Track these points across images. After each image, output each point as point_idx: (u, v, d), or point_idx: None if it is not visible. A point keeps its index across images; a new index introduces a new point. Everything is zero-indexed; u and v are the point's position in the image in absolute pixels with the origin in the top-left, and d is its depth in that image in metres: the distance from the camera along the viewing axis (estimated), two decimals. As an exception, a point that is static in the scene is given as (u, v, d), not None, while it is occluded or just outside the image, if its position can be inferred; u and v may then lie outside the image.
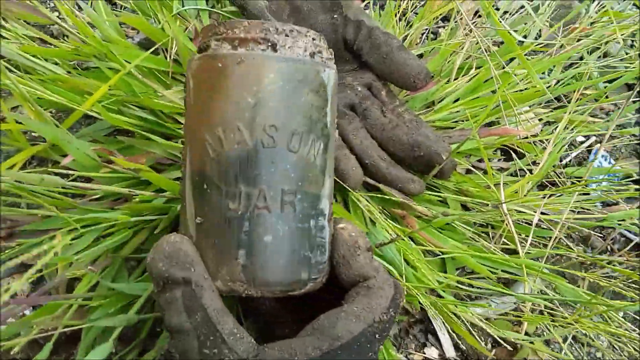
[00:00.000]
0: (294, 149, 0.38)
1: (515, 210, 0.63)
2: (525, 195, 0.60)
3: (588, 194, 0.69)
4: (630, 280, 0.61)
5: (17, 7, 0.55)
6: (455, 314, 0.58)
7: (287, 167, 0.38)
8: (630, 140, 0.84)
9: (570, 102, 0.68)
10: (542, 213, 0.62)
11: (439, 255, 0.61)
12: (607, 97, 0.85)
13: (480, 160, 0.75)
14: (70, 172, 0.54)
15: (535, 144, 0.75)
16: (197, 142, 0.39)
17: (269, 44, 0.39)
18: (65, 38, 0.73)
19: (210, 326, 0.36)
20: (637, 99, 0.85)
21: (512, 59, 0.78)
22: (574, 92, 0.74)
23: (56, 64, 0.61)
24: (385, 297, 0.39)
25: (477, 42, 0.72)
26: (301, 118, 0.39)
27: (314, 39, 0.41)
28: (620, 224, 0.65)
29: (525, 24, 0.86)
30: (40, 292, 0.51)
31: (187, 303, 0.36)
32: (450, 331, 0.62)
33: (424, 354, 0.61)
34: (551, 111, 0.79)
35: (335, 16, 0.68)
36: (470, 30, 0.71)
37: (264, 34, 0.39)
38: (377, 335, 0.38)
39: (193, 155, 0.40)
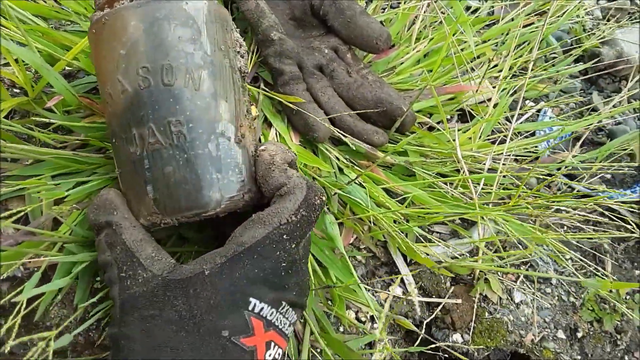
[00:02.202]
0: (169, 83, 0.42)
1: (470, 156, 0.68)
2: (477, 142, 0.65)
3: (536, 147, 0.76)
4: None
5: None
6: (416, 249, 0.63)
7: (170, 101, 0.42)
8: (575, 105, 0.91)
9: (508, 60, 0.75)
10: (493, 160, 0.68)
11: (402, 196, 0.66)
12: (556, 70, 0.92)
13: (440, 122, 0.80)
14: (52, 120, 0.57)
15: (487, 107, 0.81)
16: (103, 105, 0.45)
17: None
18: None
19: (128, 255, 0.42)
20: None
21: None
22: (525, 62, 0.80)
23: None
24: (294, 200, 0.43)
25: (433, 10, 0.78)
26: (173, 53, 0.42)
27: None
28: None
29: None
30: (22, 232, 0.53)
31: (109, 240, 0.43)
32: (412, 271, 0.67)
33: (389, 292, 0.66)
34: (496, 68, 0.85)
35: (302, -16, 0.73)
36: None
37: None
38: (285, 236, 0.42)
39: (106, 117, 0.46)
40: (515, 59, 0.80)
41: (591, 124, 0.71)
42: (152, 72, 0.42)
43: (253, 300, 0.40)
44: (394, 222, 0.62)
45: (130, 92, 0.42)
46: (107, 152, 0.60)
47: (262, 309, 0.40)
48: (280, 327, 0.42)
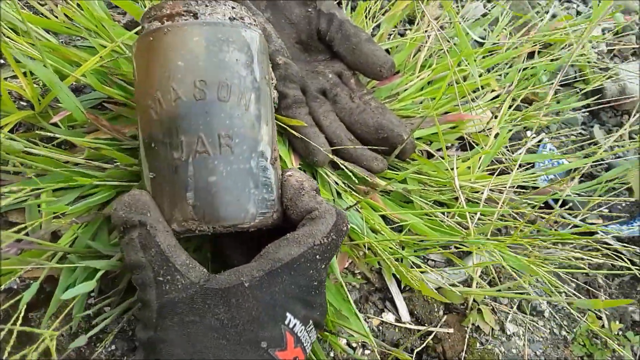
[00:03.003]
0: (225, 99, 0.45)
1: (468, 186, 0.69)
2: (476, 173, 0.66)
3: (535, 178, 0.76)
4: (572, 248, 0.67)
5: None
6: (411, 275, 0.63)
7: (221, 115, 0.44)
8: (576, 137, 0.92)
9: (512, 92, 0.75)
10: (491, 191, 0.69)
11: (399, 224, 0.66)
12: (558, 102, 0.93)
13: (440, 150, 0.81)
14: (57, 135, 0.58)
15: (488, 136, 0.81)
16: (143, 111, 0.46)
17: (191, 14, 0.46)
18: (55, 15, 0.76)
19: (163, 258, 0.42)
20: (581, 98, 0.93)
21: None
22: (527, 93, 0.81)
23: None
24: (326, 223, 0.46)
25: (438, 40, 0.79)
26: (229, 72, 0.45)
27: (233, 7, 0.48)
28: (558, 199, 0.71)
29: (485, 29, 0.93)
30: (25, 242, 0.54)
31: (143, 241, 0.43)
32: (405, 298, 0.68)
33: (382, 318, 0.66)
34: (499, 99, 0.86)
35: (309, 9, 0.74)
36: (432, 29, 0.78)
37: (186, 7, 0.46)
38: (317, 256, 0.44)
39: (142, 123, 0.47)
40: (520, 90, 0.81)
41: (593, 161, 0.72)
42: (209, 86, 0.44)
43: (289, 316, 0.42)
44: (389, 248, 0.63)
45: (185, 100, 0.44)
46: (116, 164, 0.60)
47: (295, 325, 0.42)
48: (304, 344, 0.44)
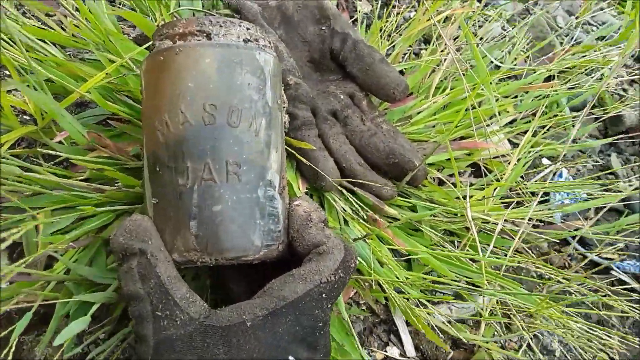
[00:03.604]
0: (234, 124, 0.42)
1: (481, 218, 0.66)
2: (489, 204, 0.63)
3: (549, 209, 0.73)
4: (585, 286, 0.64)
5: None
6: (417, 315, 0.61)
7: (230, 141, 0.42)
8: (593, 166, 0.89)
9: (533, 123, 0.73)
10: (505, 221, 0.66)
11: (407, 256, 0.64)
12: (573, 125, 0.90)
13: (452, 175, 0.78)
14: (59, 154, 0.56)
15: (502, 163, 0.79)
16: (150, 132, 0.44)
17: (205, 34, 0.44)
18: (64, 29, 0.75)
19: (163, 291, 0.40)
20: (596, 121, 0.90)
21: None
22: (543, 116, 0.79)
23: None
24: (334, 260, 0.43)
25: (454, 63, 0.77)
26: (240, 96, 0.43)
27: (248, 29, 0.46)
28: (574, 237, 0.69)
29: (502, 51, 0.91)
30: (17, 274, 0.52)
31: (142, 271, 0.40)
32: (411, 332, 0.65)
33: (386, 352, 0.64)
34: (517, 129, 0.83)
35: (323, 28, 0.72)
36: (449, 50, 0.75)
37: (199, 27, 0.44)
38: (324, 295, 0.42)
39: (147, 145, 0.44)
40: (543, 120, 0.78)
41: (611, 199, 0.69)
42: (219, 111, 0.42)
43: (291, 359, 0.40)
44: (396, 284, 0.61)
45: (193, 125, 0.42)
46: (117, 185, 0.59)
47: None
48: None
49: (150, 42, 0.48)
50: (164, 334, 0.39)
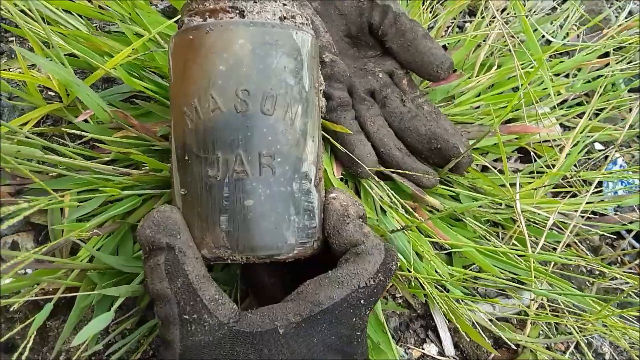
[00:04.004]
0: (268, 112, 0.39)
1: (529, 211, 0.61)
2: (540, 197, 0.58)
3: (602, 200, 0.68)
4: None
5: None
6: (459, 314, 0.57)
7: (264, 131, 0.38)
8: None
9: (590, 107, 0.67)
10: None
11: (448, 249, 0.60)
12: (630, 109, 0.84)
13: (497, 160, 0.73)
14: (84, 133, 0.53)
15: (553, 147, 0.73)
16: (178, 117, 0.40)
17: (237, 11, 0.40)
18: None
19: (191, 292, 0.37)
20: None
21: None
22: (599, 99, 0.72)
23: (79, 22, 0.60)
24: (374, 262, 0.39)
25: (503, 37, 0.71)
26: (275, 81, 0.39)
27: (284, 4, 0.42)
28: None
29: (552, 23, 0.84)
30: (44, 252, 0.50)
31: (169, 269, 0.37)
32: (450, 329, 0.61)
33: (423, 349, 0.61)
34: (571, 113, 0.77)
35: (362, 0, 0.67)
36: (496, 24, 0.69)
37: (231, 3, 0.40)
38: (362, 301, 0.38)
39: (175, 131, 0.41)
40: (600, 103, 0.72)
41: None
42: (253, 97, 0.38)
43: None
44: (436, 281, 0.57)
45: (225, 112, 0.38)
46: (144, 168, 0.56)
47: None
48: None
49: (179, 16, 0.44)
50: (192, 339, 0.36)
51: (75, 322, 0.50)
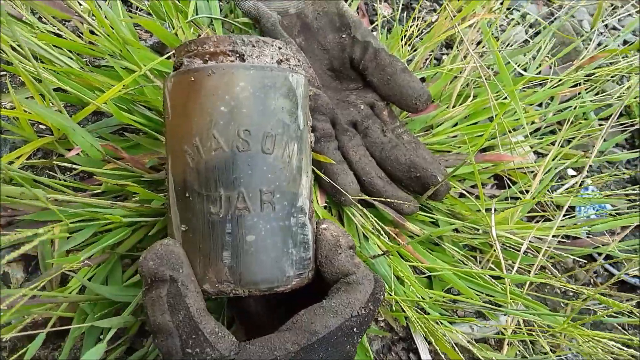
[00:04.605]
0: (269, 151, 0.41)
1: (505, 236, 0.64)
2: (515, 222, 0.61)
3: (575, 223, 0.71)
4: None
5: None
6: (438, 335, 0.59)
7: (264, 169, 0.40)
8: (620, 177, 0.86)
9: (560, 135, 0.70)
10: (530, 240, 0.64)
11: (427, 274, 0.62)
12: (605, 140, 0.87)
13: (474, 186, 0.76)
14: (75, 166, 0.55)
15: (527, 174, 0.77)
16: (177, 154, 0.42)
17: (237, 55, 0.42)
18: (80, 35, 0.74)
19: (192, 325, 0.38)
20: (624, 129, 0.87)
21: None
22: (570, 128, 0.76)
23: (70, 58, 0.62)
24: (365, 292, 0.41)
25: (477, 69, 0.74)
26: (274, 121, 0.41)
27: (280, 48, 0.44)
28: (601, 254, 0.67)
29: (525, 55, 0.88)
30: (33, 282, 0.51)
31: (171, 301, 0.38)
32: (431, 351, 0.63)
33: (406, 371, 0.62)
34: (544, 142, 0.81)
35: (343, 36, 0.70)
36: (471, 57, 0.73)
37: (232, 47, 0.42)
38: (355, 329, 0.40)
39: (174, 168, 0.42)
40: (572, 132, 0.75)
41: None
42: (254, 137, 0.40)
43: None
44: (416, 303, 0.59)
45: (227, 151, 0.40)
46: (135, 199, 0.57)
47: None
48: None
49: (171, 52, 0.46)
50: None
51: (69, 351, 0.51)
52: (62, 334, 0.55)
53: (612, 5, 1.10)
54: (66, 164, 0.54)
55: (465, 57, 0.79)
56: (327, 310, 0.40)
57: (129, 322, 0.50)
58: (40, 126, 0.65)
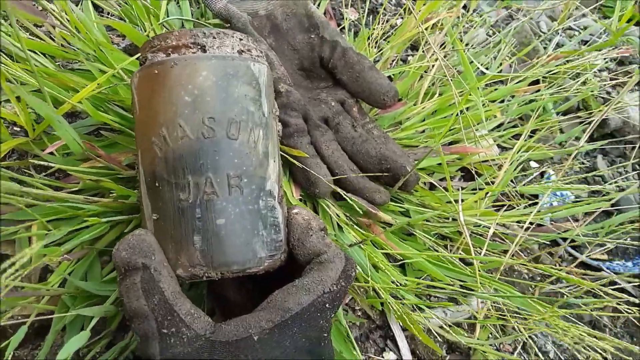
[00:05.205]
0: (234, 137, 0.42)
1: (473, 223, 0.67)
2: (481, 208, 0.64)
3: (539, 211, 0.75)
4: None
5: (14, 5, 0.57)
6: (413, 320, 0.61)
7: (230, 154, 0.42)
8: (579, 167, 0.90)
9: (525, 127, 0.74)
10: (497, 225, 0.67)
11: (401, 261, 0.65)
12: (561, 131, 0.92)
13: (442, 179, 0.79)
14: (51, 164, 0.56)
15: (492, 167, 0.80)
16: (146, 147, 0.43)
17: (199, 47, 0.44)
18: (53, 39, 0.75)
19: (167, 307, 0.39)
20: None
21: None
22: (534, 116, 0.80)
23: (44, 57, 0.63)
24: (336, 269, 0.43)
25: (442, 69, 0.78)
26: (238, 108, 0.43)
27: (241, 39, 0.46)
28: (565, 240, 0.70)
29: (487, 57, 0.92)
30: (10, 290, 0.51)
31: (145, 287, 0.39)
32: (407, 337, 0.65)
33: (383, 357, 0.64)
34: (506, 134, 0.85)
35: (312, 36, 0.73)
36: (436, 56, 0.76)
37: (193, 39, 0.44)
38: (327, 305, 0.42)
39: (144, 160, 0.44)
40: (534, 125, 0.79)
41: (600, 199, 0.70)
42: (218, 124, 0.41)
43: None
44: (392, 290, 0.61)
45: (192, 139, 0.41)
46: (112, 195, 0.58)
47: None
48: None
49: (140, 54, 0.48)
50: (171, 352, 0.38)
51: (51, 344, 0.51)
52: (42, 334, 0.55)
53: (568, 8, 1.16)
54: (43, 163, 0.55)
55: (431, 56, 0.82)
56: (299, 288, 0.41)
57: (110, 311, 0.50)
58: (15, 128, 0.65)
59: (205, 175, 0.41)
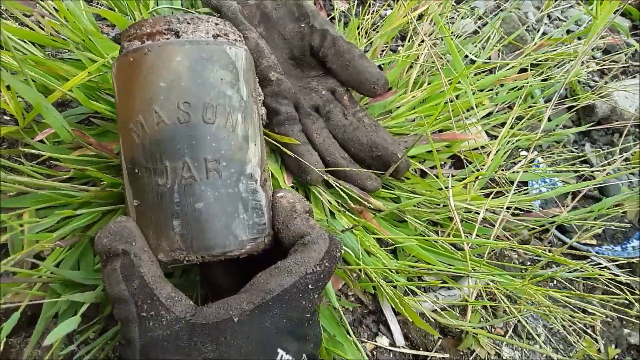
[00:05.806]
0: (210, 121, 0.42)
1: (463, 208, 0.68)
2: (471, 194, 0.65)
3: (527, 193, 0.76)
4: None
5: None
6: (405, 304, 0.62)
7: (207, 138, 0.42)
8: (567, 155, 0.92)
9: (512, 114, 0.75)
10: (486, 210, 0.68)
11: (393, 245, 0.65)
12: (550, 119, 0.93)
13: (433, 167, 0.80)
14: (42, 152, 0.55)
15: (482, 154, 0.81)
16: (125, 134, 0.43)
17: (173, 33, 0.44)
18: (42, 27, 0.74)
19: (147, 292, 0.39)
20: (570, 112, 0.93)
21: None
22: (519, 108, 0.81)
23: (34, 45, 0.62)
24: (319, 250, 0.43)
25: (432, 57, 0.78)
26: (214, 92, 0.43)
27: (217, 24, 0.46)
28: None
29: (475, 45, 0.93)
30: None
31: (125, 272, 0.40)
32: (400, 322, 0.66)
33: (376, 342, 0.65)
34: (496, 120, 0.85)
35: (302, 25, 0.73)
36: (425, 45, 0.77)
37: (167, 25, 0.44)
38: (310, 286, 0.42)
39: (124, 147, 0.44)
40: (520, 111, 0.80)
41: (587, 185, 0.71)
42: (194, 108, 0.42)
43: (280, 352, 0.40)
44: (384, 274, 0.61)
45: (169, 124, 0.41)
46: (102, 184, 0.58)
47: None
48: None
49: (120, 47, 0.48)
50: (150, 335, 0.39)
51: (43, 329, 0.51)
52: (33, 322, 0.55)
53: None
54: (33, 151, 0.55)
55: (420, 45, 0.83)
56: (282, 270, 0.42)
57: (101, 297, 0.50)
58: (5, 117, 0.65)
59: (182, 160, 0.41)
